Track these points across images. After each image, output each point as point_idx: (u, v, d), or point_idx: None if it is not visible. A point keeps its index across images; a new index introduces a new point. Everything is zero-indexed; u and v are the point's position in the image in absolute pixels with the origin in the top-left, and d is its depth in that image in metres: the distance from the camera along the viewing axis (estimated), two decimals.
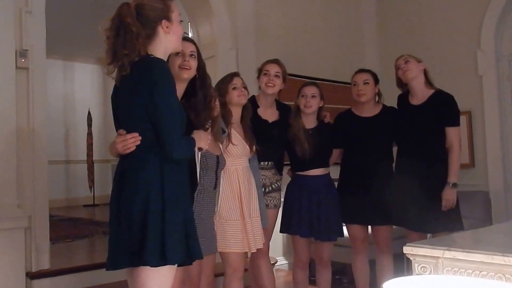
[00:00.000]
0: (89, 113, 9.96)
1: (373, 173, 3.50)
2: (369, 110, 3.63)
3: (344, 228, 3.64)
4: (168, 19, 2.23)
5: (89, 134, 9.91)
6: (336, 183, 3.70)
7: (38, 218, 3.60)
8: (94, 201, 9.70)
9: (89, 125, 9.94)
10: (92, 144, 9.87)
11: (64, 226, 6.63)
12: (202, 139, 2.44)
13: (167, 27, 2.22)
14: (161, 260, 2.05)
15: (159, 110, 2.09)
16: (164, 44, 2.24)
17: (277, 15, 5.23)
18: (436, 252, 1.79)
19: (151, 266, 2.05)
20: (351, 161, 3.63)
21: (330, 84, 5.17)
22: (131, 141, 2.14)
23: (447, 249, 1.75)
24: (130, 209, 2.09)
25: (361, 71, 3.69)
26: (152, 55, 2.19)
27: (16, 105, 3.54)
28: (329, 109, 3.74)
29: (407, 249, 1.85)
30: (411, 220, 3.40)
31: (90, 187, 9.82)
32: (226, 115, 3.12)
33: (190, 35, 4.92)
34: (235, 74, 3.29)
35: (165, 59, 2.25)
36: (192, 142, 2.27)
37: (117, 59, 2.15)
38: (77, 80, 10.49)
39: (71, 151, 10.22)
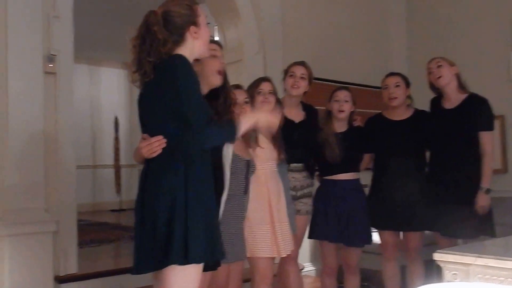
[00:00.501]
0: (115, 117, 10.05)
1: (405, 178, 3.43)
2: (401, 114, 3.58)
3: (373, 235, 3.58)
4: (196, 24, 2.24)
5: (116, 138, 9.99)
6: (366, 189, 3.65)
7: (66, 222, 3.62)
8: (120, 206, 9.77)
9: (116, 129, 10.02)
10: (119, 148, 9.95)
11: (91, 231, 6.67)
12: (262, 118, 2.38)
13: (195, 33, 2.23)
14: (185, 259, 2.04)
15: (183, 102, 2.08)
16: (191, 48, 2.24)
17: (304, 19, 5.17)
18: (467, 259, 1.73)
19: (176, 264, 2.04)
20: (383, 166, 3.56)
21: (358, 88, 5.08)
22: (156, 144, 2.13)
23: (478, 256, 1.69)
24: (155, 212, 2.08)
25: (392, 74, 3.64)
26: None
27: (43, 110, 3.56)
28: (357, 114, 3.69)
29: (437, 256, 1.80)
30: (442, 226, 3.33)
31: (117, 192, 9.91)
32: None
33: (216, 38, 4.91)
34: (264, 79, 3.26)
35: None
36: (229, 128, 2.24)
37: (142, 67, 2.16)
38: (103, 85, 10.55)
39: (98, 155, 10.28)
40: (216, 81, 2.57)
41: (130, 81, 2.30)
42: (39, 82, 3.57)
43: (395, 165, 3.47)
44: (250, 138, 3.02)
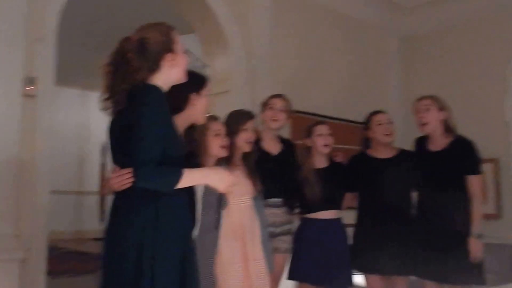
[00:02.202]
0: (103, 143, 9.93)
1: (391, 220, 3.32)
2: (386, 152, 3.49)
3: (355, 277, 3.43)
4: (172, 51, 2.16)
5: (103, 165, 9.87)
6: (348, 228, 3.51)
7: (35, 250, 3.43)
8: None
9: (103, 156, 9.90)
10: (105, 175, 9.82)
11: (70, 259, 6.47)
12: (221, 179, 2.18)
13: (171, 60, 2.15)
14: None
15: (136, 131, 1.97)
16: (167, 76, 2.17)
17: (295, 51, 5.10)
18: None
19: None
20: (368, 206, 3.45)
21: (346, 124, 5.00)
22: (127, 177, 2.02)
23: None
24: (123, 251, 1.97)
25: (382, 112, 3.56)
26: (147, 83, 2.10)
27: (20, 133, 3.42)
28: (342, 150, 3.65)
29: None
30: (429, 271, 3.21)
31: (101, 220, 9.70)
32: (230, 154, 3.00)
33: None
34: (251, 117, 3.17)
35: (165, 89, 2.16)
36: (171, 174, 2.03)
37: (114, 95, 2.09)
38: (93, 110, 10.48)
39: (84, 181, 10.13)
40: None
41: (101, 109, 2.18)
42: (17, 104, 3.42)
43: (381, 205, 3.36)
44: None
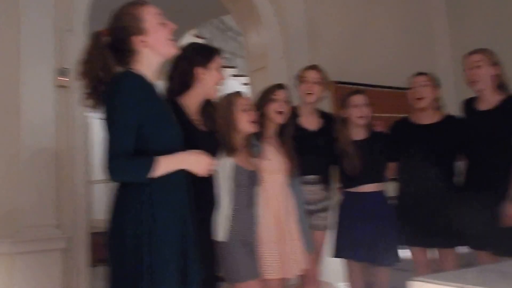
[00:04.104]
0: None
1: (434, 188, 3.11)
2: (428, 117, 3.24)
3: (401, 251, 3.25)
4: (140, 32, 2.01)
5: None
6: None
7: (77, 239, 3.50)
8: None
9: None
10: None
11: None
12: (197, 162, 2.06)
13: (142, 42, 2.01)
14: None
15: (106, 125, 1.90)
16: (148, 58, 2.04)
17: (333, 19, 4.85)
18: None
19: None
20: (409, 174, 3.24)
21: (395, 91, 4.70)
22: None
23: (460, 287, 1.35)
24: (121, 244, 1.91)
25: (420, 73, 3.32)
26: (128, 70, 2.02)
27: (55, 124, 3.49)
28: (389, 119, 3.49)
29: (416, 285, 1.47)
30: (483, 241, 2.96)
31: None
32: (261, 129, 2.91)
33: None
34: (279, 86, 3.06)
35: (152, 70, 2.06)
36: (141, 165, 1.92)
37: (90, 93, 2.05)
38: None
39: None
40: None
41: (86, 107, 2.12)
42: (51, 95, 3.49)
43: (423, 174, 3.13)
44: (253, 148, 2.84)
